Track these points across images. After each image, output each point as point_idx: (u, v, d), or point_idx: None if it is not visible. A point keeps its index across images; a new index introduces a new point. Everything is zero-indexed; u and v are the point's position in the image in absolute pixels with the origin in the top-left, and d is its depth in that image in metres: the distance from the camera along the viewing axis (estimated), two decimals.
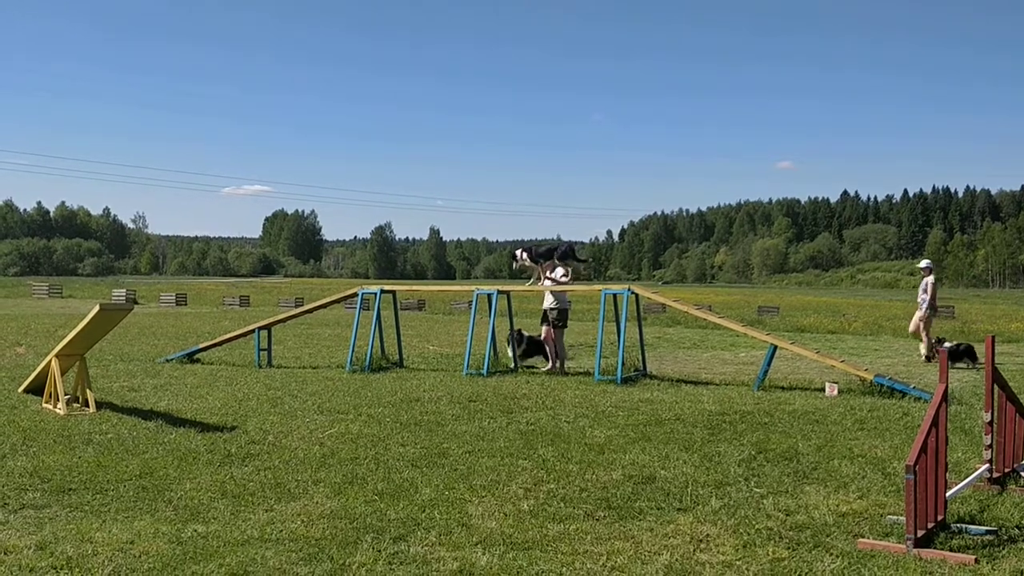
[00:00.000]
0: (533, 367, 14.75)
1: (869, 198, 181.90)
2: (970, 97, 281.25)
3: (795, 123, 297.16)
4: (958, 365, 15.54)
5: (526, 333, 14.90)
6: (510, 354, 14.65)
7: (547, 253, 14.85)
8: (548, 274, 14.69)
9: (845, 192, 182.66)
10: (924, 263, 18.32)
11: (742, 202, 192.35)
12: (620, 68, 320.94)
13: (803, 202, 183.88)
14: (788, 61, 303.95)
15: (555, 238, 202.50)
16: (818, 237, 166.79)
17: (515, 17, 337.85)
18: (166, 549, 5.14)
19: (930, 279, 17.47)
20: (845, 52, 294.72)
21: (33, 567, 4.84)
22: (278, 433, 8.79)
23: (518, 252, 15.38)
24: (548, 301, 14.68)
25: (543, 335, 14.59)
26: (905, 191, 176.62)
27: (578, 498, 6.39)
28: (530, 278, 15.35)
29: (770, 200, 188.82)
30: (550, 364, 14.46)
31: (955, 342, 16.58)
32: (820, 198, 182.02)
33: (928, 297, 17.28)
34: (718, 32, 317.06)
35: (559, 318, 14.50)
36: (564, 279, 14.59)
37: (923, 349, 17.11)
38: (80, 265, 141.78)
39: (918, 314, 17.45)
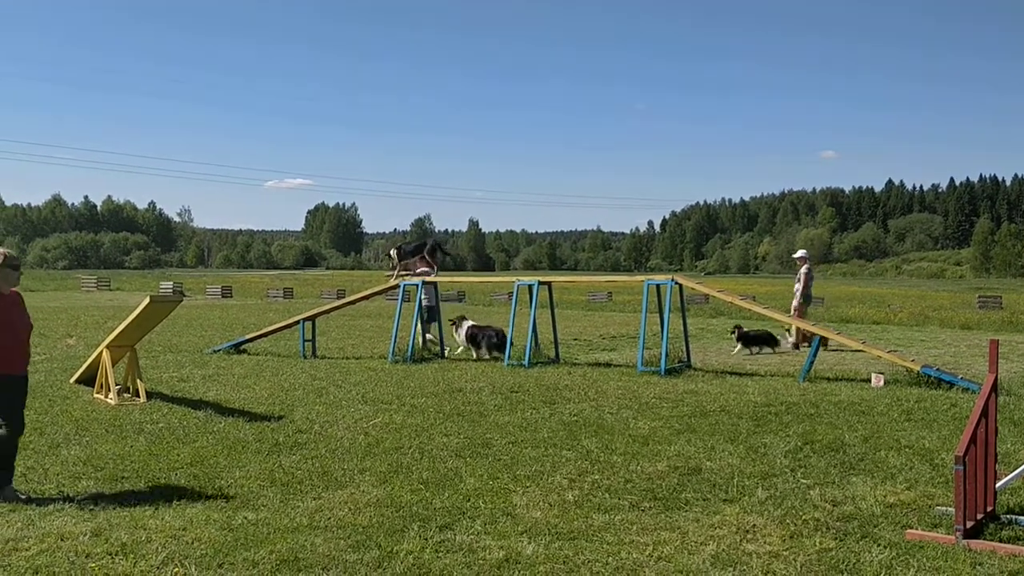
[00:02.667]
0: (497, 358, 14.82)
1: (915, 187, 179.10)
2: (1018, 84, 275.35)
3: (839, 112, 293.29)
4: (752, 349, 16.09)
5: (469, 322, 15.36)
6: (458, 341, 15.16)
7: (414, 250, 15.97)
8: (418, 270, 15.60)
9: (890, 181, 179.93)
10: (799, 253, 18.49)
11: (786, 192, 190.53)
12: (661, 57, 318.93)
13: (847, 191, 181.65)
14: (831, 49, 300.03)
15: (595, 229, 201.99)
16: (863, 227, 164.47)
17: (556, 10, 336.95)
18: (218, 536, 5.24)
19: (803, 269, 17.62)
20: (890, 40, 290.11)
21: (89, 553, 4.95)
22: (324, 423, 8.90)
23: (392, 251, 16.49)
24: (423, 299, 15.42)
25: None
26: (951, 180, 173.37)
27: (623, 489, 6.40)
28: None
29: (814, 190, 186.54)
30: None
31: (753, 330, 17.03)
32: (864, 187, 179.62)
33: (801, 287, 17.45)
34: (760, 20, 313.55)
35: (429, 314, 15.33)
36: (426, 272, 15.62)
37: (791, 337, 17.35)
38: (127, 258, 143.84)
39: (793, 303, 17.55)
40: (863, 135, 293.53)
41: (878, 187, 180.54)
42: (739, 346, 16.22)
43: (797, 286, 17.60)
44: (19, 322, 6.40)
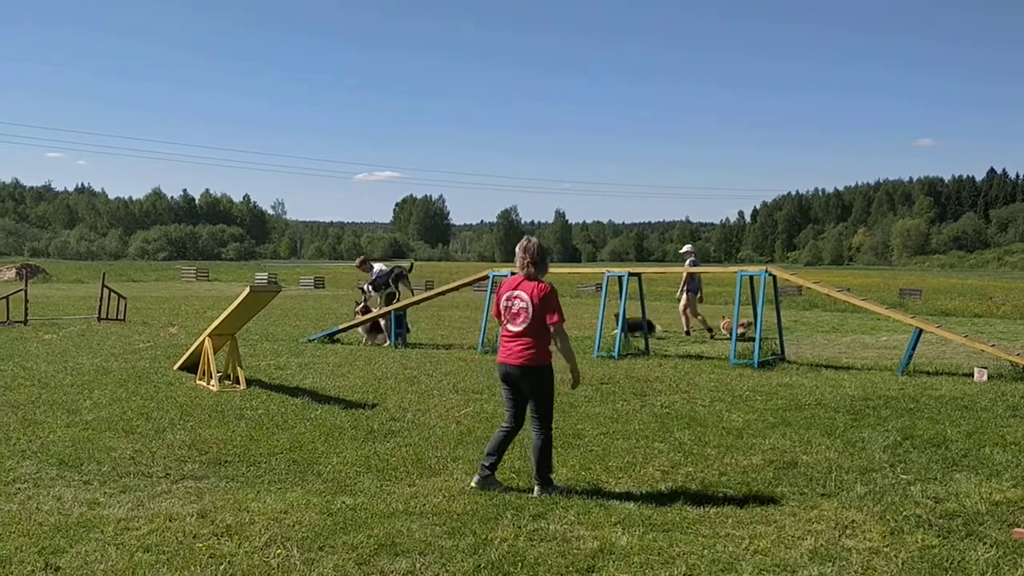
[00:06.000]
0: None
1: (1018, 176, 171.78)
2: None
3: (936, 98, 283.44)
4: (636, 334, 15.60)
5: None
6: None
7: (385, 278, 16.71)
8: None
9: (992, 170, 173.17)
10: (685, 248, 18.82)
11: (881, 181, 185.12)
12: (749, 44, 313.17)
13: (946, 181, 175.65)
14: (928, 33, 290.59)
15: (684, 220, 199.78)
16: (962, 217, 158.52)
17: (646, 8, 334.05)
18: (318, 520, 5.37)
19: (688, 261, 18.01)
20: (988, 24, 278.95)
21: (196, 534, 5.13)
22: (416, 411, 9.03)
23: (366, 285, 17.11)
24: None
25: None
26: None
27: (717, 482, 6.35)
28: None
29: (910, 179, 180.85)
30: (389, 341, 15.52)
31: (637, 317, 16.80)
32: (964, 176, 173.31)
33: (687, 279, 17.90)
34: (850, 13, 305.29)
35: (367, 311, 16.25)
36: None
37: (685, 325, 18.15)
38: (223, 250, 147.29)
39: (682, 299, 18.13)
40: (962, 122, 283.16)
41: (979, 176, 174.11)
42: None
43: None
44: None
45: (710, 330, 17.70)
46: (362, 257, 17.98)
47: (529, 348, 6.05)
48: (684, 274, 17.71)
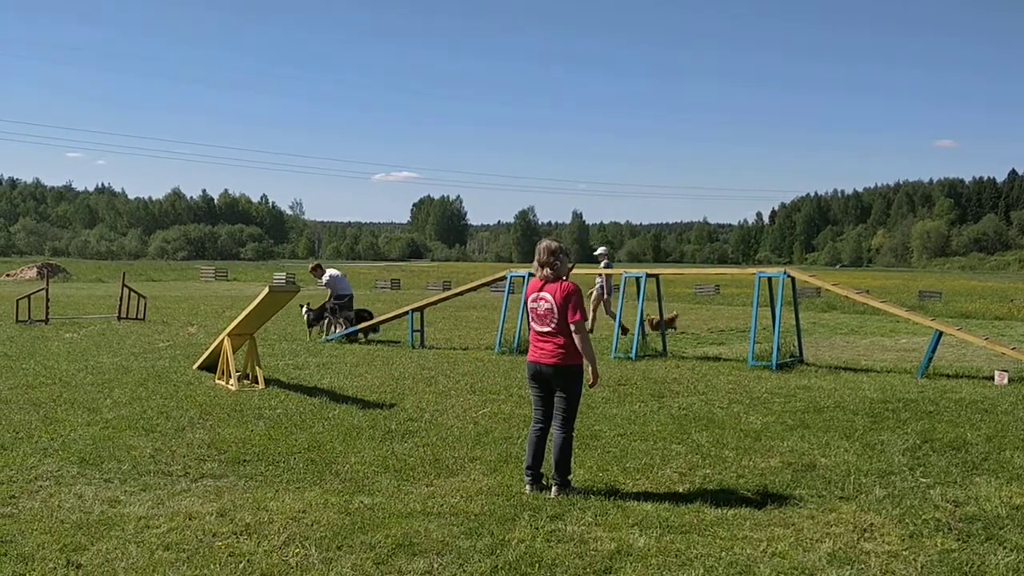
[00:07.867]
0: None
1: None
2: None
3: (956, 99, 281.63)
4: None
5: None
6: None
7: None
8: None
9: (1013, 171, 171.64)
10: (600, 250, 18.95)
11: (900, 182, 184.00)
12: (767, 44, 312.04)
13: (966, 182, 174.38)
14: (948, 32, 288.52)
15: (702, 220, 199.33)
16: (983, 219, 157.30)
17: (659, 9, 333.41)
18: (336, 519, 5.40)
19: (603, 263, 18.22)
20: (1009, 23, 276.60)
21: (216, 532, 5.16)
22: (434, 411, 9.05)
23: (302, 306, 17.36)
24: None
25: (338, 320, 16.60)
26: None
27: (735, 484, 6.33)
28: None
29: (931, 180, 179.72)
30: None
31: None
32: (985, 178, 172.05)
33: (604, 280, 18.27)
34: (871, 15, 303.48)
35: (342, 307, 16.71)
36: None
37: (594, 324, 18.03)
38: (242, 250, 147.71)
39: (595, 295, 18.33)
40: (982, 123, 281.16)
41: (1000, 177, 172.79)
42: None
43: (599, 280, 18.30)
44: None
45: (625, 330, 17.71)
46: (315, 263, 18.04)
47: (561, 348, 6.09)
48: (603, 276, 18.07)
